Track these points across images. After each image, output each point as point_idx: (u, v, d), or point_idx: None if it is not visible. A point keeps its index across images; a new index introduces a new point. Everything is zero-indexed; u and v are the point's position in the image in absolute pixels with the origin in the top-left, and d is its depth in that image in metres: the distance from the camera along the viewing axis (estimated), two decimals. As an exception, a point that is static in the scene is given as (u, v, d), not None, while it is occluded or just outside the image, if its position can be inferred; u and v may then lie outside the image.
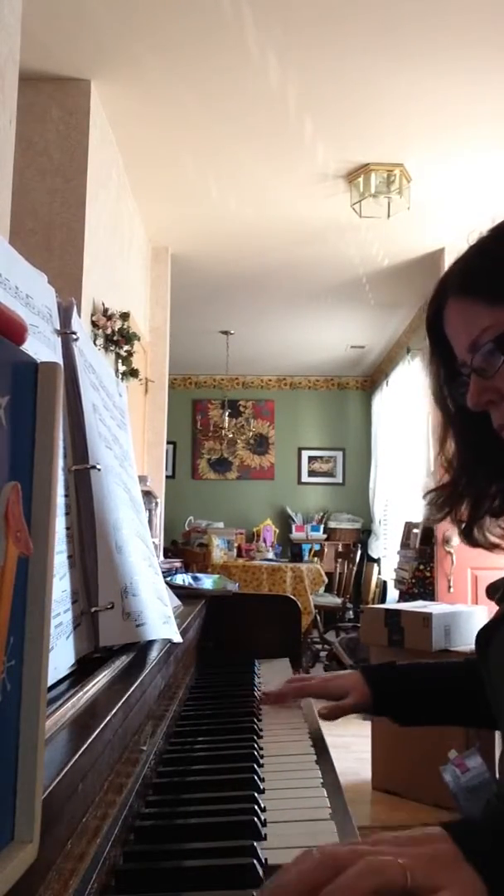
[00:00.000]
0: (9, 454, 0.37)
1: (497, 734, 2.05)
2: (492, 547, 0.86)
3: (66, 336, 0.85)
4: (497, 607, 0.87)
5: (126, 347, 3.60)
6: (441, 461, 0.88)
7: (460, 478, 0.86)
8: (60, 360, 0.82)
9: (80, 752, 0.50)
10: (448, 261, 5.08)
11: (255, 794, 0.75)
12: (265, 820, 0.71)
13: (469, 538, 0.87)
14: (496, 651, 0.81)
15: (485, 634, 0.85)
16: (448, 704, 1.03)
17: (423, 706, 1.04)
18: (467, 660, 1.05)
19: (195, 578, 1.80)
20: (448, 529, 4.39)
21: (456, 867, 0.50)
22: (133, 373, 3.74)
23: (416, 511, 5.55)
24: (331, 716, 1.04)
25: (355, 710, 1.04)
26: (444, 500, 0.87)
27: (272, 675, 1.37)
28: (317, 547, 7.42)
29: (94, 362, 0.97)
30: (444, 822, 0.55)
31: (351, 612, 6.29)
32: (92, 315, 3.29)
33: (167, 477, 6.02)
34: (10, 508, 0.37)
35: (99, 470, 0.84)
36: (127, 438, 1.06)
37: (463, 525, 0.86)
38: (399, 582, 5.32)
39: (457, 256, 0.82)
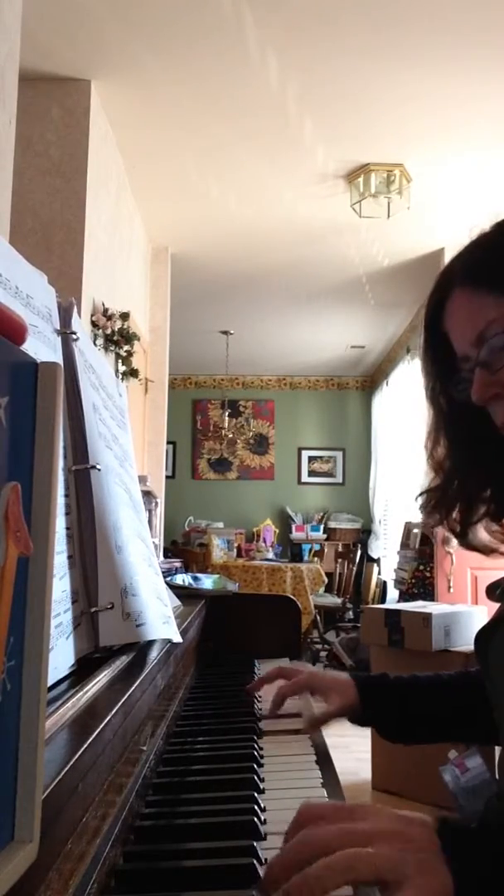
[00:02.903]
0: (9, 454, 0.37)
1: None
2: (489, 551, 0.85)
3: (66, 336, 0.85)
4: (496, 607, 0.87)
5: (126, 347, 3.60)
6: (431, 463, 0.85)
7: (452, 480, 0.84)
8: (60, 360, 0.82)
9: (80, 752, 0.50)
10: (448, 261, 5.06)
11: (255, 794, 0.75)
12: (265, 820, 0.71)
13: (464, 541, 0.85)
14: (496, 651, 0.81)
15: (484, 634, 0.84)
16: (436, 725, 0.98)
17: (410, 722, 0.98)
18: (463, 674, 1.03)
19: (195, 578, 1.80)
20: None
21: (430, 860, 0.51)
22: (133, 373, 3.74)
23: (416, 511, 5.54)
24: (317, 725, 0.99)
25: (341, 713, 0.98)
26: (435, 503, 0.85)
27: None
28: (317, 547, 7.42)
29: (94, 362, 0.97)
30: (441, 815, 0.55)
31: (351, 612, 6.29)
32: (92, 315, 3.29)
33: (167, 477, 6.03)
34: (10, 508, 0.37)
35: (99, 470, 0.84)
36: (127, 438, 1.06)
37: (457, 529, 0.84)
38: (399, 582, 5.31)
39: (457, 251, 0.80)
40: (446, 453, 0.84)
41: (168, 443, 5.82)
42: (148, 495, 2.56)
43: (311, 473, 8.37)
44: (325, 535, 7.93)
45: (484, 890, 0.51)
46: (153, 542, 1.04)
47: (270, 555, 6.49)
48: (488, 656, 0.82)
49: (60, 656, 0.69)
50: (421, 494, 0.86)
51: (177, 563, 3.19)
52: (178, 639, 0.97)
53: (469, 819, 0.59)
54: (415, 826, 0.53)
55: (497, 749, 0.97)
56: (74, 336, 0.86)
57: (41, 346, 0.76)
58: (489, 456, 0.81)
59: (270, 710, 1.05)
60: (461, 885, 0.50)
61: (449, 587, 4.40)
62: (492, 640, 0.82)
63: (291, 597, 1.66)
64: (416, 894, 0.49)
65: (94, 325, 3.31)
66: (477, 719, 0.95)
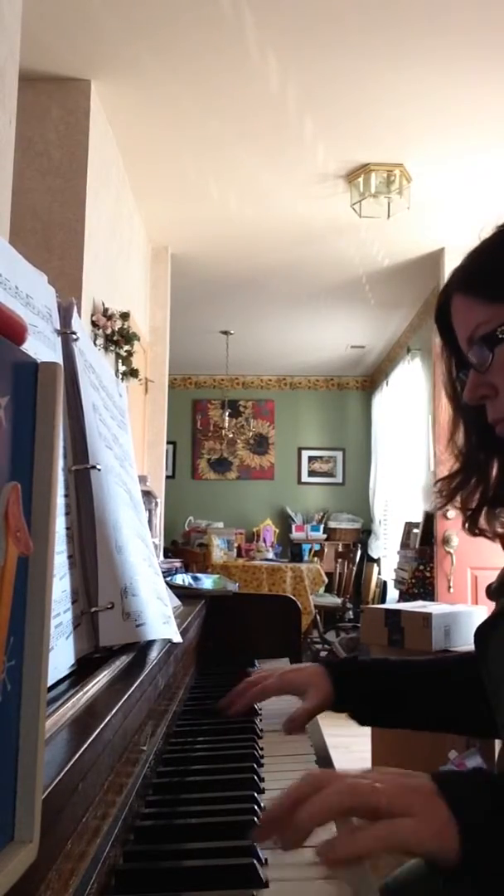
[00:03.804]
0: (9, 454, 0.37)
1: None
2: (496, 536, 0.87)
3: (66, 336, 0.85)
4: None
5: (126, 347, 3.59)
6: (452, 449, 0.89)
7: (469, 466, 0.87)
8: (60, 360, 0.82)
9: (80, 752, 0.50)
10: (448, 260, 5.07)
11: (255, 794, 0.75)
12: (265, 820, 0.71)
13: (473, 526, 0.87)
14: (495, 647, 0.82)
15: (484, 630, 0.85)
16: (408, 706, 0.98)
17: (382, 707, 0.99)
18: (436, 658, 1.04)
19: (195, 578, 1.80)
20: (448, 529, 4.39)
21: (430, 800, 0.55)
22: (133, 373, 3.74)
23: (416, 511, 5.55)
24: (296, 728, 0.97)
25: (320, 709, 0.97)
26: (453, 487, 0.88)
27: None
28: (317, 547, 7.42)
29: (94, 362, 0.97)
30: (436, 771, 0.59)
31: (351, 612, 6.29)
32: (92, 315, 3.29)
33: (167, 477, 6.03)
34: (10, 508, 0.37)
35: (99, 470, 0.84)
36: (127, 438, 1.06)
37: (468, 512, 0.87)
38: (399, 582, 5.32)
39: (465, 253, 0.84)
40: (464, 441, 0.88)
41: (168, 443, 5.82)
42: (148, 495, 2.56)
43: (311, 473, 8.37)
44: (325, 535, 7.93)
45: (484, 830, 0.54)
46: (153, 542, 1.04)
47: (270, 555, 6.49)
48: (488, 652, 0.83)
49: (60, 656, 0.69)
50: (441, 480, 0.90)
51: (177, 563, 3.19)
52: (178, 639, 0.97)
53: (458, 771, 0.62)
54: (413, 776, 0.58)
55: (497, 745, 0.97)
56: (74, 336, 0.86)
57: (41, 346, 0.76)
58: (494, 444, 0.85)
59: (231, 707, 1.02)
60: (463, 823, 0.53)
61: (449, 587, 4.40)
62: (491, 637, 0.83)
63: (291, 597, 1.66)
64: (415, 825, 0.53)
65: (94, 325, 3.31)
66: (446, 704, 0.95)
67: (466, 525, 0.88)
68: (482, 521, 0.87)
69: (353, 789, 0.54)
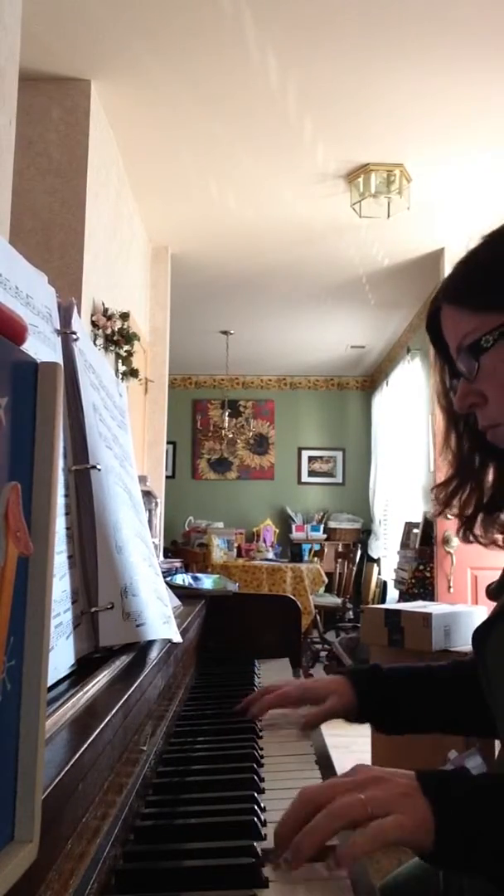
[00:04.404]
0: (9, 454, 0.37)
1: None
2: (488, 543, 0.88)
3: (66, 336, 0.85)
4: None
5: (126, 347, 3.59)
6: (447, 456, 0.90)
7: (464, 472, 0.88)
8: (60, 360, 0.82)
9: (80, 752, 0.50)
10: (448, 260, 5.06)
11: (255, 794, 0.75)
12: (265, 820, 0.71)
13: (468, 533, 0.88)
14: (493, 648, 0.82)
15: (481, 632, 0.85)
16: (433, 713, 0.99)
17: (408, 714, 0.99)
18: (454, 662, 1.04)
19: (195, 578, 1.80)
20: (448, 529, 4.39)
21: (411, 797, 0.61)
22: (133, 373, 3.74)
23: (416, 511, 5.55)
24: (311, 724, 0.99)
25: (337, 714, 0.98)
26: (447, 495, 0.89)
27: (272, 675, 1.37)
28: (317, 547, 7.42)
29: (94, 362, 0.97)
30: (421, 769, 0.65)
31: (351, 612, 6.29)
32: (92, 315, 3.29)
33: (167, 477, 6.03)
34: (10, 508, 0.37)
35: (99, 470, 0.84)
36: (127, 438, 1.06)
37: (464, 519, 0.88)
38: (399, 582, 5.32)
39: (455, 262, 0.85)
40: (456, 448, 0.89)
41: (168, 443, 5.82)
42: (148, 495, 2.56)
43: (311, 473, 8.37)
44: (325, 535, 7.93)
45: (460, 823, 0.60)
46: (153, 542, 1.04)
47: (270, 555, 6.49)
48: (485, 653, 0.83)
49: (60, 656, 0.69)
50: (437, 487, 0.91)
51: (177, 563, 3.19)
52: (178, 639, 0.97)
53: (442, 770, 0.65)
54: (398, 775, 0.64)
55: (497, 748, 0.97)
56: (74, 336, 0.86)
57: (41, 346, 0.76)
58: (487, 450, 0.86)
59: (249, 711, 1.03)
60: (440, 818, 0.60)
61: (449, 587, 4.40)
62: (489, 637, 0.83)
63: (291, 597, 1.66)
64: (397, 820, 0.59)
65: (94, 325, 3.31)
66: (470, 708, 0.96)
67: (461, 532, 0.89)
68: (477, 528, 0.88)
69: (342, 813, 0.60)
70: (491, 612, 0.86)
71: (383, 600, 6.43)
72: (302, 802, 0.63)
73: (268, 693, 1.03)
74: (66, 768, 0.47)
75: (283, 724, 1.04)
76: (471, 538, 0.88)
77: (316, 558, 6.81)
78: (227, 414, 7.87)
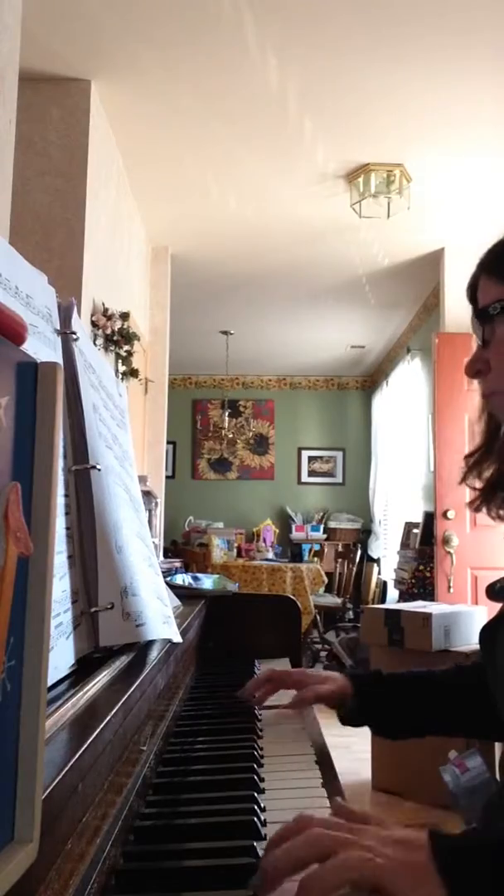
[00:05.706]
0: (9, 454, 0.37)
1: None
2: (498, 518, 0.88)
3: (66, 336, 0.85)
4: (497, 607, 0.87)
5: (126, 347, 3.59)
6: (480, 427, 0.91)
7: (489, 445, 0.89)
8: (60, 360, 0.82)
9: (80, 752, 0.50)
10: (448, 260, 5.04)
11: (255, 794, 0.75)
12: (265, 820, 0.71)
13: (482, 505, 0.88)
14: (502, 645, 0.81)
15: (489, 630, 0.85)
16: (437, 717, 1.00)
17: (411, 718, 1.00)
18: (457, 666, 1.04)
19: (195, 578, 1.80)
20: (448, 529, 4.39)
21: (425, 879, 0.53)
22: (133, 373, 3.74)
23: (416, 511, 5.55)
24: (305, 701, 1.01)
25: (332, 698, 1.00)
26: (472, 462, 0.90)
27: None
28: (317, 547, 7.42)
29: (94, 362, 0.97)
30: (432, 829, 0.57)
31: (351, 612, 6.29)
32: (92, 315, 3.29)
33: (167, 477, 6.02)
34: (10, 508, 0.37)
35: (99, 470, 0.84)
36: (127, 438, 1.06)
37: (481, 491, 0.89)
38: (399, 582, 5.32)
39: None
40: (487, 419, 0.90)
41: (168, 443, 5.82)
42: (148, 495, 2.56)
43: (311, 473, 8.37)
44: (325, 535, 7.93)
45: None
46: (153, 542, 1.04)
47: (270, 555, 6.49)
48: (495, 650, 0.83)
49: (60, 656, 0.69)
50: (468, 456, 0.91)
51: (177, 563, 3.19)
52: (178, 639, 0.97)
53: (469, 818, 0.60)
54: (414, 847, 0.55)
55: (497, 748, 0.97)
56: (74, 336, 0.86)
57: (41, 346, 0.76)
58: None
59: (256, 698, 1.07)
60: None
61: (449, 587, 4.40)
62: (498, 636, 0.82)
63: (291, 597, 1.66)
64: None
65: (94, 325, 3.31)
66: (474, 712, 0.96)
67: (475, 504, 0.89)
68: (493, 503, 0.88)
69: (355, 866, 0.53)
70: (499, 611, 0.86)
71: (383, 600, 6.43)
72: (307, 844, 0.56)
73: (270, 677, 1.06)
74: (66, 768, 0.47)
75: (277, 703, 1.07)
76: (483, 510, 0.89)
77: (316, 558, 6.81)
78: (227, 414, 7.86)
